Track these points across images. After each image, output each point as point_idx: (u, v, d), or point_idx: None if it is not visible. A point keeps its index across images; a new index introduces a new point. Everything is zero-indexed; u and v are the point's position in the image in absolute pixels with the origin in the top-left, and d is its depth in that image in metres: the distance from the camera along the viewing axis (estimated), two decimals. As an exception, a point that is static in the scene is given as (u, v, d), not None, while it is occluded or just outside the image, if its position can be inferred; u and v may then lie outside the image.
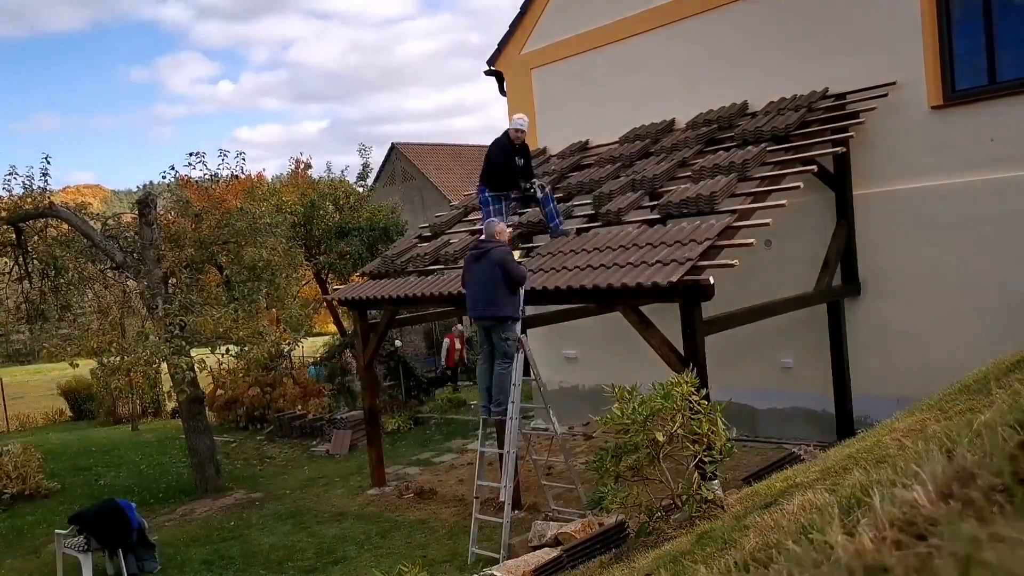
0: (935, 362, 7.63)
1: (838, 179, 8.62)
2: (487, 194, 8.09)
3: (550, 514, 7.43)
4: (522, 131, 8.05)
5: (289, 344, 11.99)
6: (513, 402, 6.95)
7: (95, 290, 11.51)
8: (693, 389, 4.46)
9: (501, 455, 7.16)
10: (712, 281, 6.23)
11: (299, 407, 15.15)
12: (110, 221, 11.68)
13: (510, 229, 7.93)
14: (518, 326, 7.08)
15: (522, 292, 7.09)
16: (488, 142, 8.33)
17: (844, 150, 8.26)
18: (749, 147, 8.28)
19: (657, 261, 6.57)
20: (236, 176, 12.70)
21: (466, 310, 7.39)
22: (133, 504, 8.29)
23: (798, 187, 7.45)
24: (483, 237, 7.29)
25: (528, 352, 7.25)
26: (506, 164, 7.98)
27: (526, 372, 7.34)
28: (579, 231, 8.34)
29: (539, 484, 7.84)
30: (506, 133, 8.08)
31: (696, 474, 4.31)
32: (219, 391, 16.24)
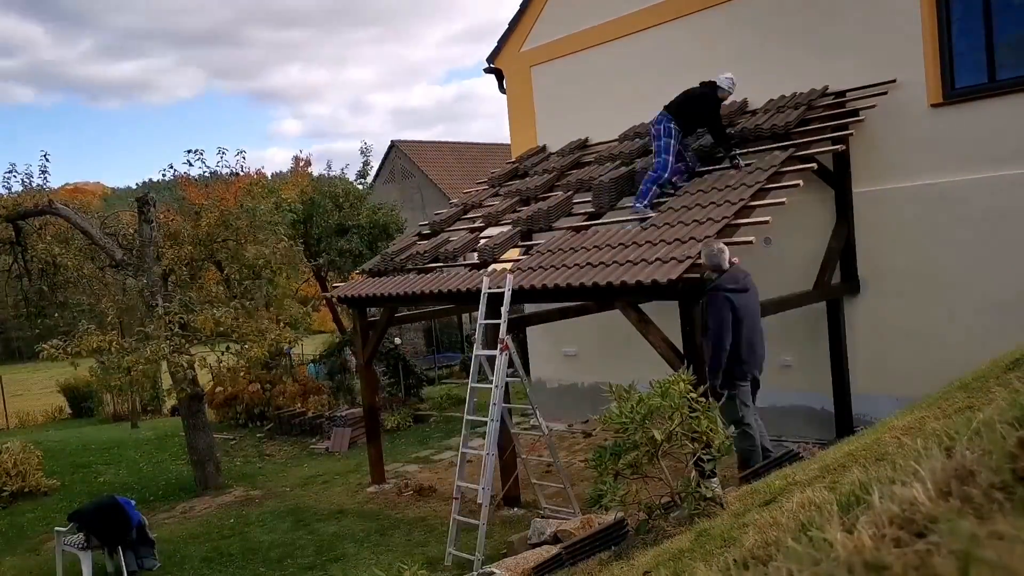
0: (934, 360, 7.64)
1: (838, 177, 8.62)
2: (671, 124, 7.95)
3: (543, 513, 7.44)
4: (730, 92, 8.12)
5: (289, 342, 12.00)
6: (495, 404, 6.93)
7: (94, 288, 11.52)
8: (691, 387, 4.46)
9: (496, 454, 7.12)
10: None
11: (299, 405, 15.16)
12: (109, 219, 11.68)
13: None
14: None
15: None
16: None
17: (844, 148, 8.26)
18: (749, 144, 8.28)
19: (656, 259, 6.57)
20: (235, 174, 12.71)
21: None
22: (132, 501, 8.29)
23: (798, 185, 7.45)
24: (731, 263, 6.18)
25: (512, 353, 7.17)
26: (689, 115, 8.01)
27: (515, 374, 7.29)
28: (577, 229, 8.34)
29: (532, 484, 7.84)
30: (716, 87, 8.08)
31: (695, 472, 4.31)
32: (218, 388, 16.23)
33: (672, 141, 7.96)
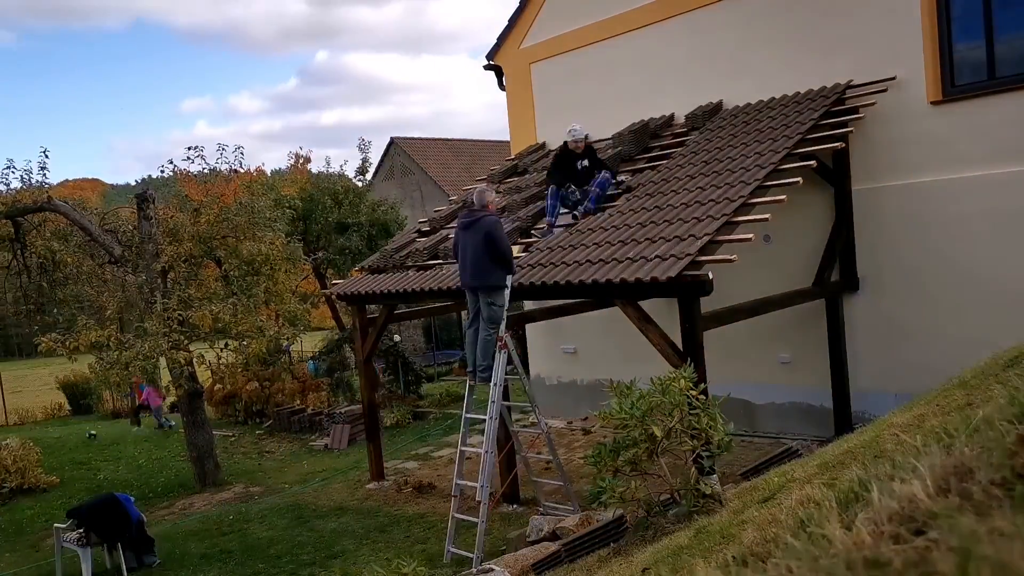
0: (933, 357, 7.64)
1: (837, 175, 8.62)
2: (550, 188, 8.76)
3: (541, 510, 7.44)
4: (577, 140, 8.70)
5: (288, 339, 12.00)
6: (493, 401, 6.92)
7: (93, 284, 11.51)
8: (691, 384, 4.47)
9: (495, 452, 7.11)
10: (711, 276, 6.23)
11: (298, 401, 15.16)
12: (108, 215, 11.67)
13: (497, 197, 8.44)
14: (506, 293, 7.04)
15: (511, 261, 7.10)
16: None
17: (843, 145, 8.25)
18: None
19: (656, 256, 6.57)
20: (235, 170, 12.69)
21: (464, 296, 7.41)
22: (132, 498, 8.29)
23: (797, 182, 7.45)
24: (475, 206, 7.21)
25: (511, 350, 7.15)
26: (559, 174, 8.71)
27: (514, 371, 7.28)
28: (569, 225, 8.33)
29: (532, 481, 7.84)
30: (564, 143, 8.81)
31: (694, 469, 4.32)
32: (218, 386, 16.24)
33: (556, 202, 8.67)
